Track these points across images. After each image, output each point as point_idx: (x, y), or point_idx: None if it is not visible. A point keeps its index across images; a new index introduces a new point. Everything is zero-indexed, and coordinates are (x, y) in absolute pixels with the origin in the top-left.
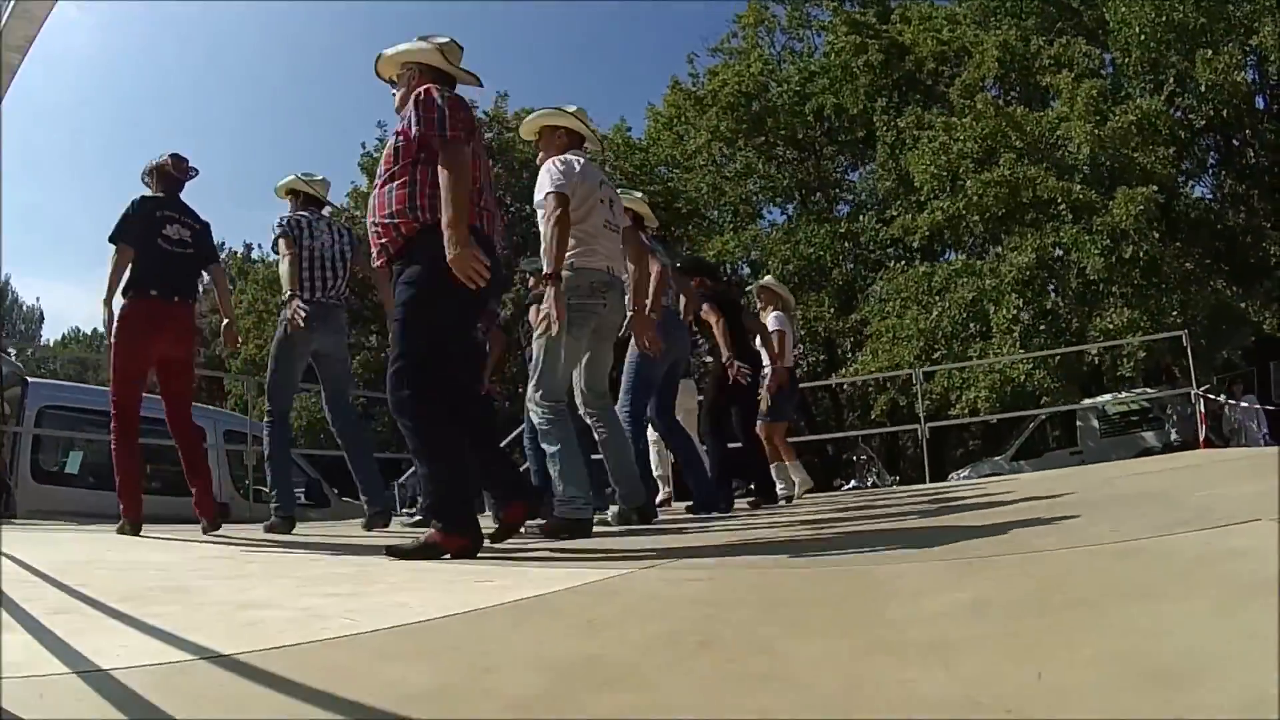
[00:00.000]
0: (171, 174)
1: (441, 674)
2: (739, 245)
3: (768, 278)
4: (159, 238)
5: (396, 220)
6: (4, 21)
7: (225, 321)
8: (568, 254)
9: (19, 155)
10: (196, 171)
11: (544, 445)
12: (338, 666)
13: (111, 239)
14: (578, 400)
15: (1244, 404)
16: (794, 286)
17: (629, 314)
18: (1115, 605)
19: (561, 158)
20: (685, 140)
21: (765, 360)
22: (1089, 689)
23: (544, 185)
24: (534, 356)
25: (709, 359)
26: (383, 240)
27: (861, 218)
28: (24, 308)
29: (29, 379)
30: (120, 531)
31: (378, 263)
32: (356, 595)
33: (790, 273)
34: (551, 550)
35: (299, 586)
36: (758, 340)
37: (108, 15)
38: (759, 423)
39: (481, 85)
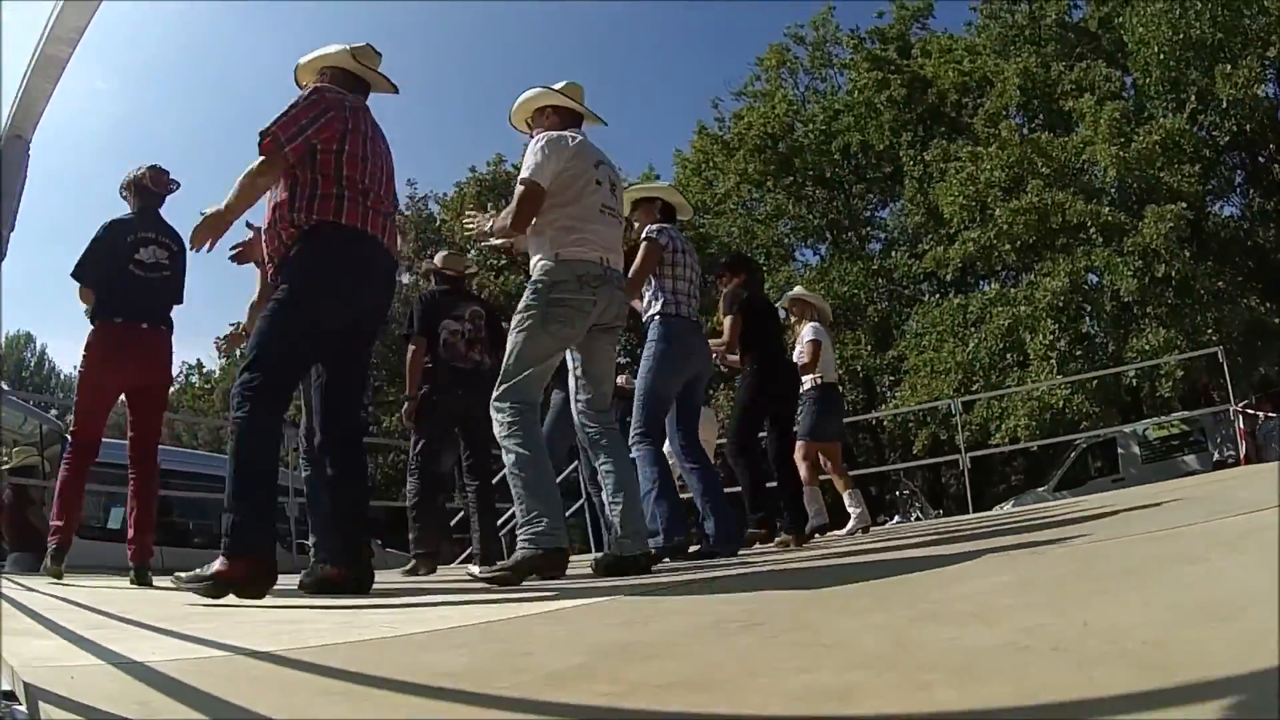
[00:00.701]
0: (149, 189)
1: (479, 660)
2: (773, 288)
3: (797, 288)
4: (131, 263)
5: (277, 227)
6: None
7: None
8: (551, 243)
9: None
10: (178, 185)
11: (506, 455)
12: (374, 657)
13: (74, 275)
14: (574, 415)
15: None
16: (830, 326)
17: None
18: (1163, 569)
19: (550, 133)
20: (714, 185)
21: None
22: (1138, 627)
23: (524, 167)
24: (506, 352)
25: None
26: (269, 250)
27: (894, 253)
28: (61, 375)
29: (68, 436)
30: (44, 569)
31: (270, 273)
32: (400, 609)
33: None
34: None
35: (342, 604)
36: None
37: (131, 74)
38: (798, 443)
39: (395, 90)
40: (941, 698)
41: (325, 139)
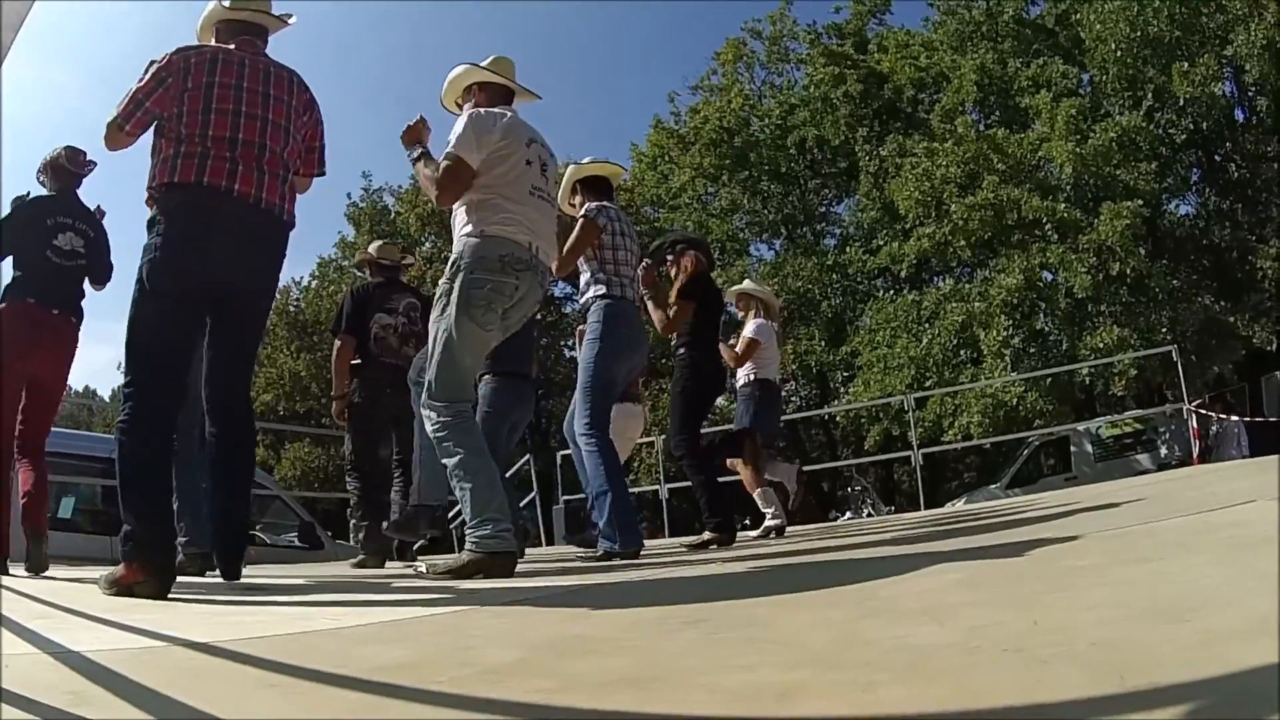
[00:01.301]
0: (66, 168)
1: (419, 653)
2: (727, 281)
3: (745, 282)
4: (49, 249)
5: (149, 191)
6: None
7: None
8: (476, 219)
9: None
10: (94, 165)
11: (445, 459)
12: (314, 648)
13: None
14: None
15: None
16: (783, 321)
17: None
18: (1115, 569)
19: (478, 110)
20: (669, 179)
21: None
22: (1087, 628)
23: (450, 141)
24: (429, 345)
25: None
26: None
27: (848, 249)
28: None
29: None
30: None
31: None
32: (346, 605)
33: (779, 308)
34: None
35: (288, 601)
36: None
37: (97, 70)
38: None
39: (289, 17)
40: (886, 698)
41: (165, 105)
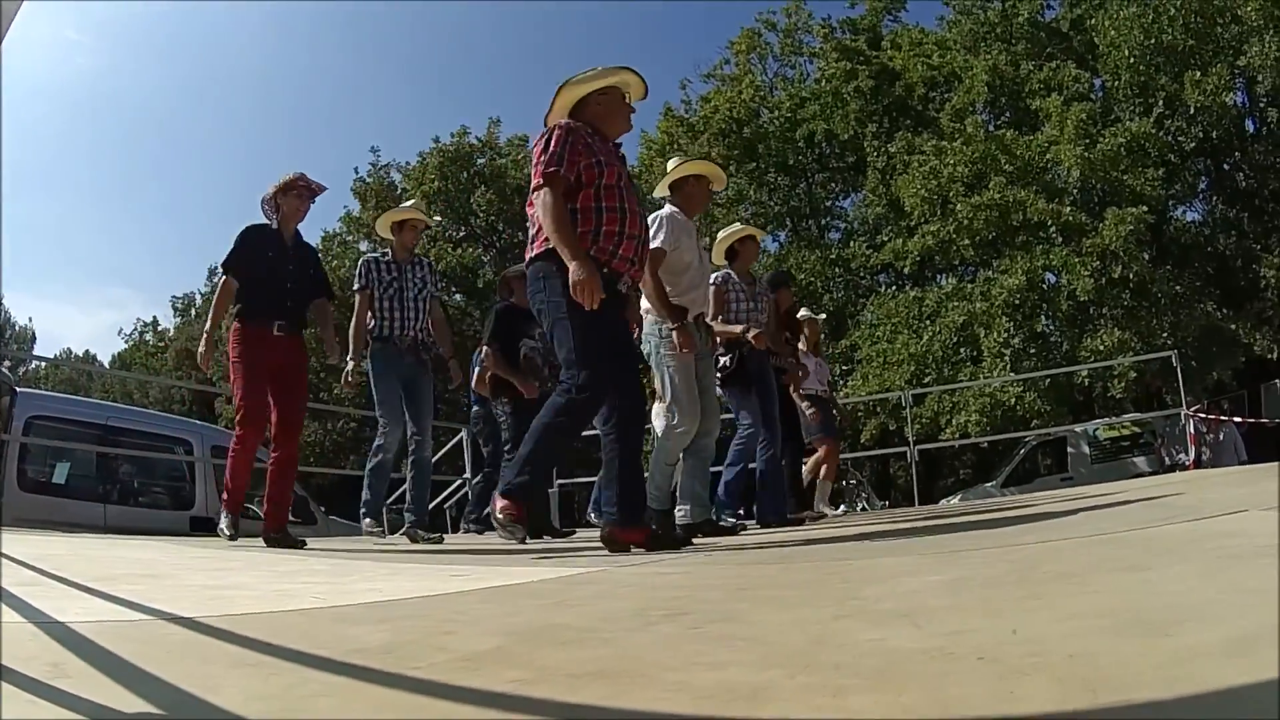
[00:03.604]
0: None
1: (400, 636)
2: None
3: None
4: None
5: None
6: None
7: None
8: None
9: (13, 170)
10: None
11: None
12: (293, 627)
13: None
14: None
15: (1223, 433)
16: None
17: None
18: (1100, 577)
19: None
20: None
21: None
22: (1066, 638)
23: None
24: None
25: None
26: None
27: (852, 243)
28: (16, 327)
29: (18, 389)
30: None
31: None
32: (331, 583)
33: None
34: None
35: (277, 576)
36: None
37: (108, 29)
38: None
39: None
40: (854, 704)
41: None
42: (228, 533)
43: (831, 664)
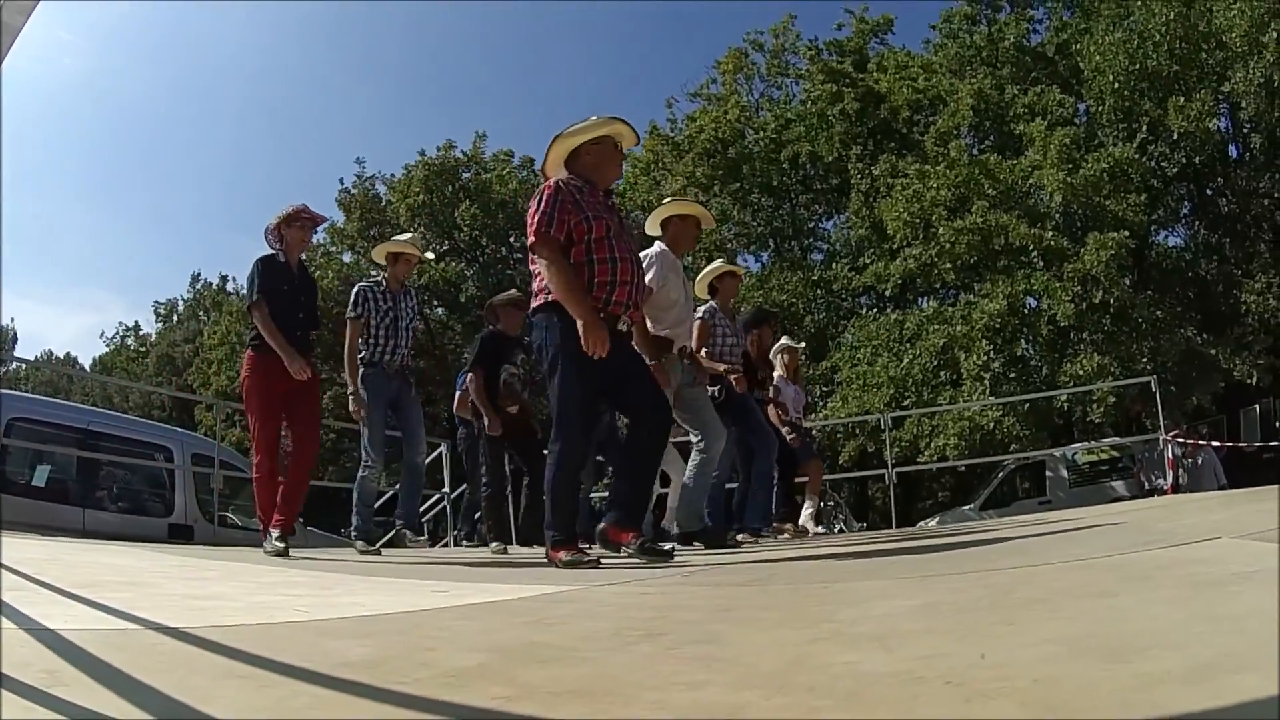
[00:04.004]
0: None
1: (382, 650)
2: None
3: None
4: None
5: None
6: None
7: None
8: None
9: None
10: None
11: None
12: (279, 639)
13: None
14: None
15: (1202, 458)
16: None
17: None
18: (1071, 602)
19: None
20: (661, 186)
21: None
22: (1033, 663)
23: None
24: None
25: None
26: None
27: (834, 265)
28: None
29: None
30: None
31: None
32: (313, 595)
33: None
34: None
35: (259, 588)
36: None
37: (98, 31)
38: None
39: None
40: None
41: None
42: (279, 545)
43: (806, 686)
